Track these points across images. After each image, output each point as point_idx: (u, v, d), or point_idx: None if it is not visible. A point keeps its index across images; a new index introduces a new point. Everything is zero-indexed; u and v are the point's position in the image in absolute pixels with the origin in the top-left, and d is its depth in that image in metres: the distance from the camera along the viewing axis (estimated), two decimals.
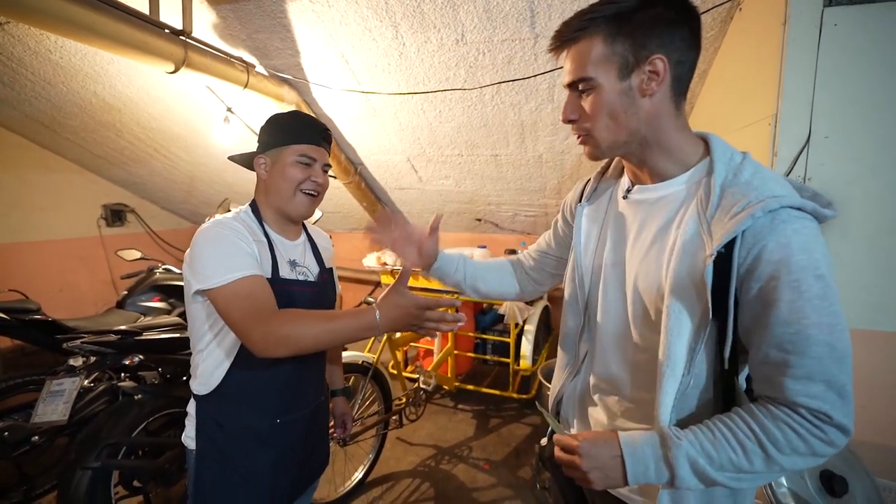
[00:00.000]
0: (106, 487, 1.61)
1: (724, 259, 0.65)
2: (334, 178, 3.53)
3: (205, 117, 3.11)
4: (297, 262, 1.14)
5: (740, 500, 0.75)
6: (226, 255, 0.95)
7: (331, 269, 1.26)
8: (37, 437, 1.91)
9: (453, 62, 2.35)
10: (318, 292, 1.14)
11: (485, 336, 3.25)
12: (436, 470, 2.35)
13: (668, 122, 0.74)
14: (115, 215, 4.41)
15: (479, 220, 4.08)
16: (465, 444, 2.58)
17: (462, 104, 2.67)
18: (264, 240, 1.07)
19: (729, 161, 0.71)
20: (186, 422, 1.10)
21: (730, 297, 0.66)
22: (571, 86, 0.75)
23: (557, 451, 0.75)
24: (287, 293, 1.04)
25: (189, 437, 1.08)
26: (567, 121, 0.78)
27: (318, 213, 2.83)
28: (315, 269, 1.19)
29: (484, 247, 3.01)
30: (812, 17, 1.37)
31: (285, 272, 1.08)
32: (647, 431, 0.71)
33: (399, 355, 2.45)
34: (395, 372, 2.47)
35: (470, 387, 2.99)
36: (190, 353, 1.11)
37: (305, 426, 1.16)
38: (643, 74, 0.70)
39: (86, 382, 2.10)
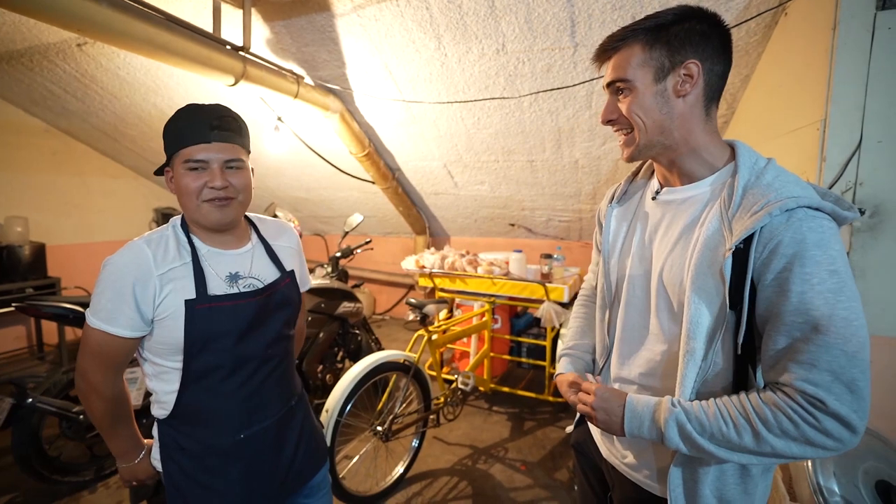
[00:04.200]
0: None
1: (742, 254, 0.70)
2: (372, 182, 3.64)
3: (254, 126, 3.28)
4: (241, 273, 1.02)
5: (751, 488, 0.79)
6: (108, 298, 0.91)
7: (292, 270, 1.14)
8: None
9: (493, 71, 2.42)
10: (262, 302, 1.03)
11: (520, 339, 3.28)
12: (473, 469, 2.39)
13: (698, 126, 0.79)
14: (166, 219, 4.65)
15: (513, 224, 4.13)
16: (500, 444, 2.61)
17: (500, 111, 2.74)
18: (188, 259, 0.96)
19: (753, 165, 0.76)
20: (154, 443, 1.05)
21: (745, 288, 0.70)
22: (610, 86, 0.82)
23: (579, 394, 0.88)
24: (219, 311, 0.95)
25: (156, 459, 1.04)
26: (606, 121, 0.84)
27: (358, 217, 2.94)
28: (269, 275, 1.07)
29: (520, 251, 3.04)
30: (864, 21, 1.37)
31: (219, 289, 0.97)
32: (653, 397, 0.80)
33: (436, 356, 2.52)
34: (433, 373, 2.53)
35: (505, 389, 3.03)
36: None
37: (276, 434, 1.09)
38: (678, 77, 0.76)
39: None
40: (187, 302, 0.93)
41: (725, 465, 0.78)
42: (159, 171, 1.02)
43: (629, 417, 0.79)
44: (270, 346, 1.05)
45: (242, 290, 1.01)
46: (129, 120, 3.48)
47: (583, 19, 2.00)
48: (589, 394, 0.85)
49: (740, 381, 0.76)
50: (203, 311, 0.94)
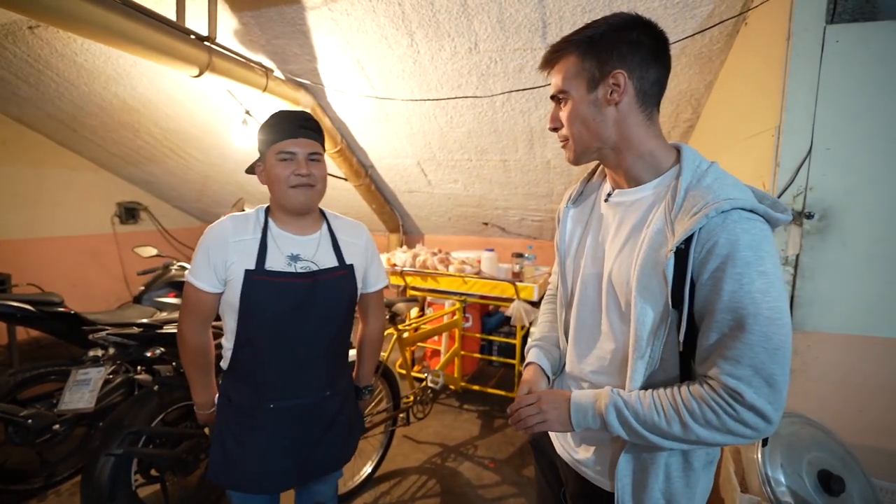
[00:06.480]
0: (127, 474, 1.67)
1: (683, 254, 0.72)
2: (344, 178, 3.60)
3: (222, 120, 3.19)
4: (302, 256, 1.18)
5: (693, 481, 0.83)
6: (197, 258, 1.14)
7: (352, 264, 1.26)
8: (58, 426, 1.97)
9: (466, 70, 2.42)
10: (310, 285, 1.16)
11: (491, 337, 3.30)
12: (442, 467, 2.40)
13: (638, 130, 0.82)
14: (129, 213, 4.50)
15: (486, 223, 4.15)
16: (470, 442, 2.63)
17: (473, 110, 2.74)
18: (258, 236, 1.15)
19: (696, 168, 0.79)
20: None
21: (685, 287, 0.73)
22: (553, 98, 0.87)
23: (519, 408, 0.89)
24: (271, 285, 1.12)
25: (215, 406, 1.27)
26: (552, 129, 0.89)
27: None
28: (328, 262, 1.21)
29: (492, 250, 3.06)
30: (815, 34, 1.43)
31: (278, 265, 1.14)
32: (595, 389, 0.85)
33: (406, 355, 2.51)
34: (403, 372, 2.52)
35: (476, 387, 3.05)
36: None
37: (304, 416, 1.20)
38: (608, 87, 0.79)
39: None
40: (247, 271, 1.10)
41: (671, 459, 0.81)
42: (250, 170, 1.26)
43: (574, 410, 0.83)
44: (315, 331, 1.19)
45: (299, 270, 1.16)
46: (88, 109, 3.32)
47: (554, 21, 2.02)
48: (533, 402, 0.89)
49: (685, 376, 0.79)
50: (258, 281, 1.11)
